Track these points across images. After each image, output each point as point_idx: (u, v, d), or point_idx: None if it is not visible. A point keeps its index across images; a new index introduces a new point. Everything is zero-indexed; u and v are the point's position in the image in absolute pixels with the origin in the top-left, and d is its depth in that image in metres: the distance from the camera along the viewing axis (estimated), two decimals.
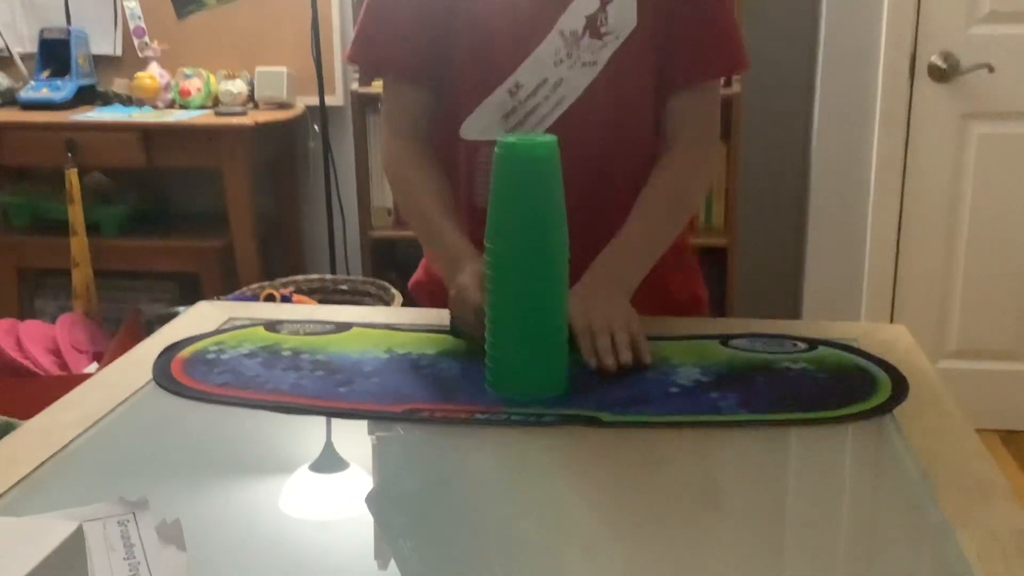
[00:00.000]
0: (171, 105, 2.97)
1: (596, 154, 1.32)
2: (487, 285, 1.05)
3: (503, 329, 1.05)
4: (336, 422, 1.04)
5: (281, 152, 3.10)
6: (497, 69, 1.29)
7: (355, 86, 2.82)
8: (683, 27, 1.30)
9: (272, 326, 1.28)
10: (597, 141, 1.31)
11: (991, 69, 2.62)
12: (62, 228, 2.84)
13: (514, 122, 1.30)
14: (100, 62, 3.08)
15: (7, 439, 0.99)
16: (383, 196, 2.95)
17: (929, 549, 0.80)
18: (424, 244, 1.34)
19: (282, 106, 2.97)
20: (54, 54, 2.95)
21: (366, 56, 1.38)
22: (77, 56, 2.95)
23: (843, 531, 0.86)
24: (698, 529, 0.84)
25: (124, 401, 1.08)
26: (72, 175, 2.78)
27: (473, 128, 1.31)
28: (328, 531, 0.85)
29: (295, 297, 2.60)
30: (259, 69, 2.97)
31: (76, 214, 2.81)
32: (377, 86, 2.84)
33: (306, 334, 1.25)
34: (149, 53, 2.98)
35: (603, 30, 1.26)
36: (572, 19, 1.26)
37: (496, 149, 1.02)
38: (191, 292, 2.98)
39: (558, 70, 1.27)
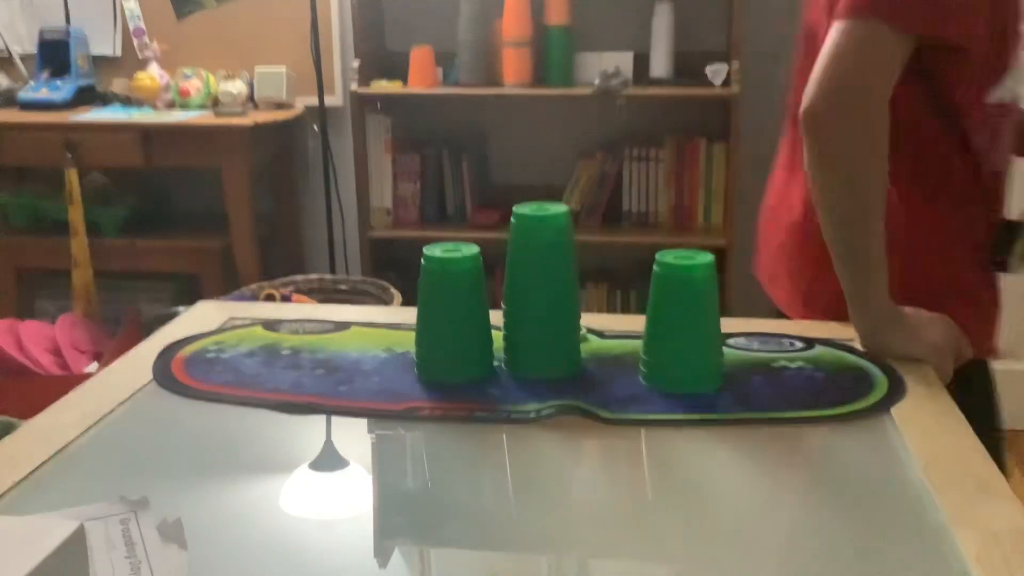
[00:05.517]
0: (171, 105, 2.97)
1: None
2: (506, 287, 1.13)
3: (520, 323, 1.12)
4: (336, 421, 1.04)
5: (280, 152, 3.10)
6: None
7: (354, 86, 2.82)
8: None
9: (271, 325, 1.28)
10: None
11: None
12: (62, 228, 2.84)
13: None
14: (100, 62, 3.08)
15: (7, 439, 0.99)
16: (382, 196, 2.95)
17: (928, 549, 0.80)
18: (850, 273, 1.21)
19: (281, 106, 2.97)
20: (54, 54, 2.95)
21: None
22: (77, 56, 2.95)
23: (842, 531, 0.86)
24: (696, 528, 0.84)
25: (124, 401, 1.08)
26: (72, 175, 2.78)
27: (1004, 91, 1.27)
28: (328, 530, 0.85)
29: (295, 297, 2.60)
30: (258, 69, 2.97)
31: (76, 214, 2.81)
32: (376, 87, 2.83)
33: (305, 333, 1.25)
34: (149, 53, 2.98)
35: None
36: None
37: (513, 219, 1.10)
38: (191, 292, 2.98)
39: None
